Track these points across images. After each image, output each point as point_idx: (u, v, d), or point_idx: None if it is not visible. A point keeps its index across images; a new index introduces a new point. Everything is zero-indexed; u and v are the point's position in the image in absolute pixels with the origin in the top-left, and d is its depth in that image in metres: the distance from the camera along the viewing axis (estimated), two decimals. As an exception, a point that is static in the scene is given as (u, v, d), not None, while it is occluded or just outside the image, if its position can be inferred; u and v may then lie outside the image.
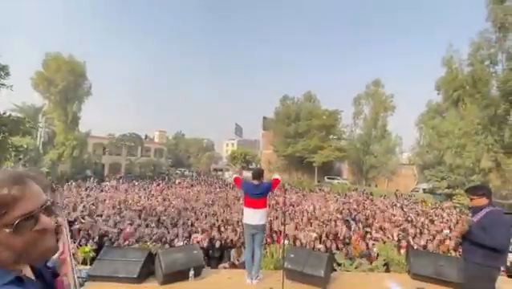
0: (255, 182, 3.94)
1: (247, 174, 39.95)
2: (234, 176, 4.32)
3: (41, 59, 30.24)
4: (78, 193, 17.41)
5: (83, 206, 12.25)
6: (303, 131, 33.82)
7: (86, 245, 6.11)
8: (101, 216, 10.23)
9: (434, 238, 7.94)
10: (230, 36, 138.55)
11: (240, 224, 8.99)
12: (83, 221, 8.87)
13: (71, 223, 8.46)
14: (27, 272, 0.69)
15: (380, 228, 9.30)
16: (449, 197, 19.59)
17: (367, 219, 11.21)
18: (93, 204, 13.16)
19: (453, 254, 5.92)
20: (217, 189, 21.97)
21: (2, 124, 6.63)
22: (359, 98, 34.49)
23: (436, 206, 16.63)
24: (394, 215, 12.41)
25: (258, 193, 3.87)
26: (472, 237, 2.68)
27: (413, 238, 7.96)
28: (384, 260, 5.38)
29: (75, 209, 11.03)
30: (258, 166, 46.59)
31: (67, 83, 30.26)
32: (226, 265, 5.61)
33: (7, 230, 0.60)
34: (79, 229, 7.67)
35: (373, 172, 31.64)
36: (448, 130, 20.04)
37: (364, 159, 32.18)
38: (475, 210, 2.81)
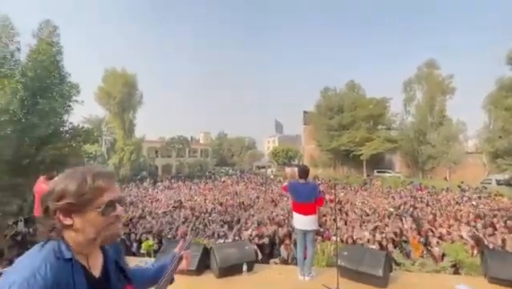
0: (301, 181, 3.88)
1: (290, 169, 39.60)
2: (283, 185, 4.24)
3: (100, 75, 34.40)
4: (137, 193, 19.37)
5: (144, 205, 13.58)
6: (348, 123, 32.07)
7: (147, 239, 6.76)
8: (158, 213, 11.21)
9: (515, 237, 6.81)
10: (268, 31, 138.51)
11: (287, 221, 8.97)
12: (145, 218, 9.83)
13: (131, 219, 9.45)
14: (94, 267, 0.82)
15: (444, 225, 8.35)
16: (532, 188, 16.61)
17: (428, 215, 10.17)
18: (151, 202, 14.52)
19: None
20: (261, 187, 22.25)
21: (77, 134, 7.84)
22: (410, 82, 31.27)
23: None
24: (461, 210, 11.02)
25: (305, 194, 3.76)
26: None
27: (488, 236, 6.95)
28: (452, 261, 4.82)
29: (136, 208, 12.30)
30: (301, 163, 45.94)
31: (122, 95, 33.84)
32: (277, 261, 5.65)
33: (97, 211, 0.77)
34: (141, 225, 8.52)
35: (431, 163, 28.42)
36: (527, 110, 16.94)
37: (419, 149, 29.14)
38: None
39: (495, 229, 7.77)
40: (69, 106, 7.77)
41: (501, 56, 20.37)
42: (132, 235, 7.37)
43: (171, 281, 1.03)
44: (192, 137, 50.18)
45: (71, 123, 7.94)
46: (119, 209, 0.82)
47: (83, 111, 39.96)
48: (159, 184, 25.94)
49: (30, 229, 7.82)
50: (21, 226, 8.13)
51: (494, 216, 9.77)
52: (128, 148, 33.38)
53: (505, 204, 12.90)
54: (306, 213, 3.73)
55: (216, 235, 7.39)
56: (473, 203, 12.82)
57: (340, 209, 11.13)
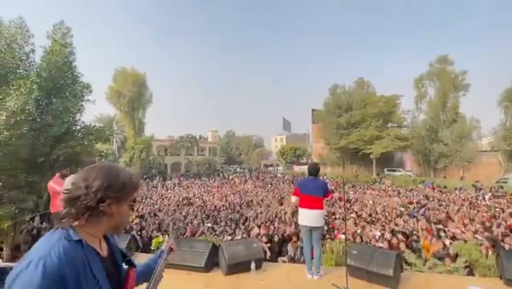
0: (311, 177, 3.89)
1: (298, 168, 39.29)
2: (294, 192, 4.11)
3: (110, 74, 35.08)
4: (147, 190, 19.70)
5: (154, 202, 13.79)
6: (357, 121, 31.56)
7: (157, 236, 6.88)
8: (168, 211, 11.37)
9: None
10: (276, 29, 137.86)
11: (294, 219, 8.94)
12: (155, 215, 9.98)
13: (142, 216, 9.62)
14: (103, 250, 0.92)
15: (458, 225, 8.14)
16: (551, 188, 15.99)
17: (440, 215, 9.95)
18: (161, 200, 14.73)
19: None
20: (269, 185, 22.25)
21: (90, 133, 8.04)
22: (422, 79, 30.50)
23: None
24: (475, 209, 10.73)
25: (312, 188, 3.75)
26: None
27: (503, 237, 6.74)
28: (465, 261, 4.70)
29: (146, 205, 12.51)
30: (310, 161, 45.59)
31: (132, 94, 34.39)
32: (285, 259, 5.64)
33: (130, 204, 0.92)
34: (151, 222, 8.67)
35: (443, 161, 27.73)
36: (545, 106, 16.28)
37: (431, 147, 28.44)
38: None
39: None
40: (81, 105, 7.97)
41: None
42: (144, 232, 7.51)
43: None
44: (200, 136, 50.60)
45: (83, 122, 8.16)
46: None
47: (95, 110, 40.91)
48: (168, 182, 26.29)
49: (45, 224, 8.08)
50: (37, 222, 8.41)
51: (511, 216, 9.47)
52: (137, 146, 33.94)
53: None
54: (312, 207, 3.70)
55: (224, 233, 7.44)
56: (488, 203, 12.46)
57: (350, 208, 11.02)
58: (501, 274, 3.75)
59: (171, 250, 1.26)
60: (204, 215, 10.21)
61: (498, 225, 8.04)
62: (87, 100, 8.16)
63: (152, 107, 37.77)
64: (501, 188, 18.19)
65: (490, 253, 5.15)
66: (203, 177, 29.94)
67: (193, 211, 11.12)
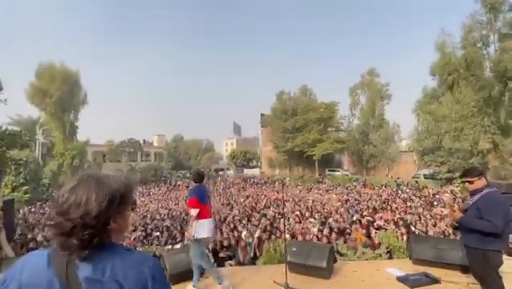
0: (202, 184, 3.79)
1: (248, 171, 39.78)
2: (190, 200, 3.63)
3: (33, 70, 30.17)
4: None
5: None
6: (301, 125, 33.83)
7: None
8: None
9: (435, 223, 8.03)
10: (223, 34, 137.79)
11: (244, 222, 9.06)
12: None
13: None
14: None
15: (383, 216, 9.39)
16: (450, 181, 19.69)
17: (369, 209, 11.31)
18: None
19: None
20: (219, 189, 22.05)
21: (0, 138, 6.69)
22: (355, 88, 34.45)
23: (437, 191, 16.75)
24: (395, 202, 12.51)
25: (208, 197, 3.72)
26: (465, 223, 2.69)
27: (415, 224, 8.06)
28: (387, 248, 5.46)
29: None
30: (259, 164, 46.78)
31: (62, 93, 30.19)
32: (232, 262, 5.69)
33: (131, 208, 0.85)
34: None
35: (373, 161, 31.68)
36: (444, 114, 20.06)
37: (363, 149, 32.24)
38: (473, 193, 2.74)
39: (421, 217, 9.04)
40: (-12, 105, 6.67)
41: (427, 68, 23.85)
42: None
43: None
44: (144, 140, 47.15)
45: (-10, 125, 6.78)
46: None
47: (10, 111, 34.50)
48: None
49: None
50: None
51: (421, 206, 11.36)
52: (68, 152, 29.83)
53: (428, 194, 15.13)
54: (210, 217, 3.61)
55: (169, 242, 7.11)
56: (405, 196, 14.69)
57: (292, 207, 11.67)
58: (410, 254, 4.49)
59: None
60: (147, 224, 9.57)
61: (413, 213, 9.58)
62: (-4, 99, 6.88)
63: (86, 109, 33.81)
64: (417, 182, 21.68)
65: (405, 238, 6.11)
66: (148, 184, 27.93)
67: (136, 221, 10.32)
